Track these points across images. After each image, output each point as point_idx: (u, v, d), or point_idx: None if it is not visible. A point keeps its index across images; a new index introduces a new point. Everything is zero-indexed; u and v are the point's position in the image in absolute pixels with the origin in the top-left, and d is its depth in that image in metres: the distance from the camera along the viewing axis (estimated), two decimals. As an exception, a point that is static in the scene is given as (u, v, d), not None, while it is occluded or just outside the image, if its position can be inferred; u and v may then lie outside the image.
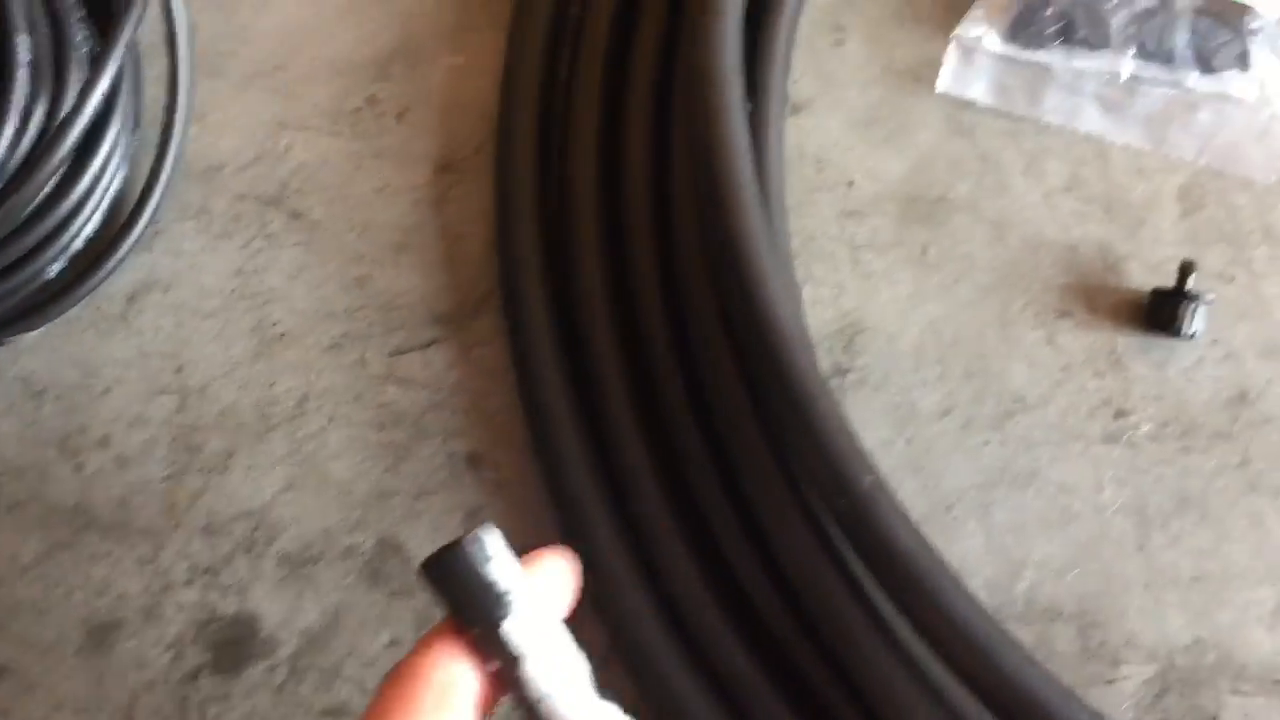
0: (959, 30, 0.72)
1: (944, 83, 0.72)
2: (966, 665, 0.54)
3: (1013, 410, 0.67)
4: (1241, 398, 0.67)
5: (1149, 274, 0.69)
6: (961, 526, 0.65)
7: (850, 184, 0.72)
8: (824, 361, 0.68)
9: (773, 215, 0.67)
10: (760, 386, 0.60)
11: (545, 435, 0.64)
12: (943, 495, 0.66)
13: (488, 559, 0.38)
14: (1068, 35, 0.71)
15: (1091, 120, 0.72)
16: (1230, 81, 0.71)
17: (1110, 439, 0.66)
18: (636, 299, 0.67)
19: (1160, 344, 0.67)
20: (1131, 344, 0.68)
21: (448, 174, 0.73)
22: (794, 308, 0.66)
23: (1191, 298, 0.66)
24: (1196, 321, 0.66)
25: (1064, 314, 0.68)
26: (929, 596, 0.54)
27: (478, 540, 0.38)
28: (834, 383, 0.67)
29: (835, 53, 0.74)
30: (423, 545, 0.65)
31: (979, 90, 0.72)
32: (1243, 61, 0.71)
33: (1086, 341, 0.68)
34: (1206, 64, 0.71)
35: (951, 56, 0.72)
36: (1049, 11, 0.71)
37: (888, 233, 0.71)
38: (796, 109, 0.73)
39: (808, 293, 0.70)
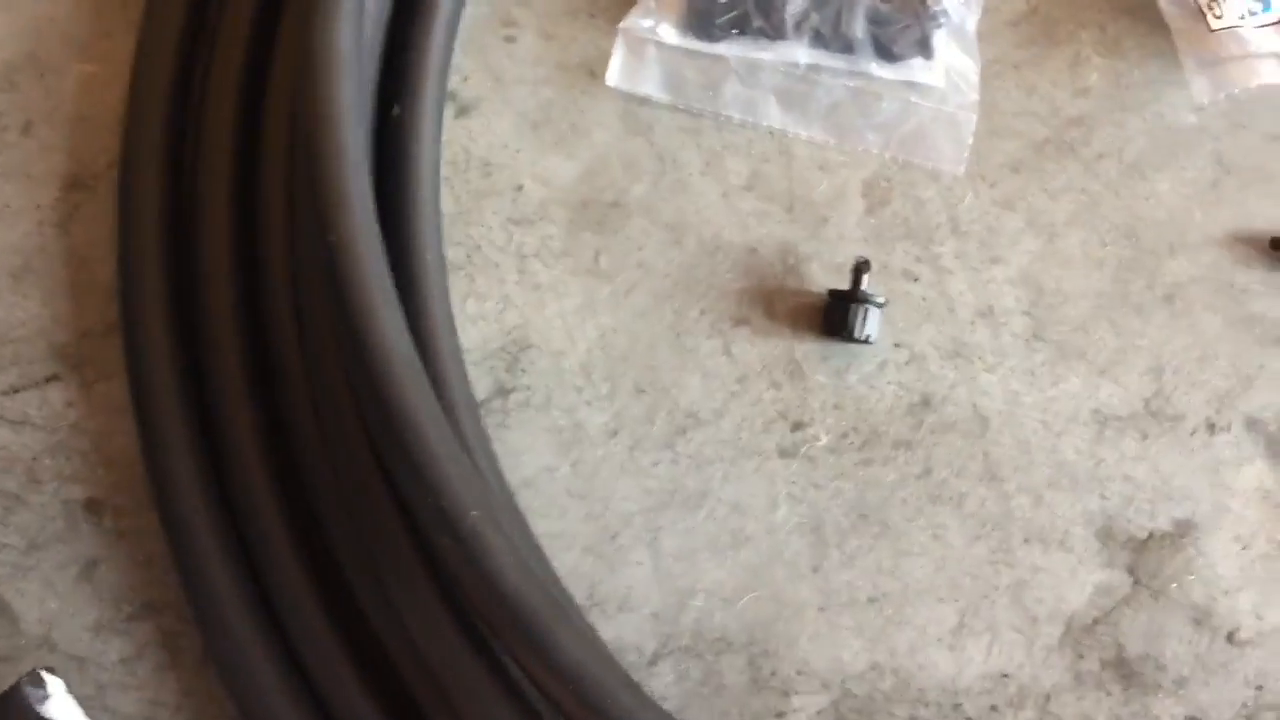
0: (627, 21, 0.67)
1: (614, 77, 0.67)
2: (577, 715, 0.48)
3: (685, 427, 0.62)
4: (925, 403, 0.63)
5: (831, 275, 0.65)
6: (628, 555, 0.60)
7: (519, 189, 0.67)
8: (486, 381, 0.63)
9: (419, 227, 0.62)
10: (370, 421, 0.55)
11: (164, 487, 0.58)
12: (609, 522, 0.61)
13: (45, 697, 0.40)
14: (743, 25, 0.67)
15: (773, 114, 0.67)
16: (914, 69, 0.67)
17: (786, 453, 0.62)
18: (269, 330, 0.61)
19: (841, 350, 0.64)
20: (811, 351, 0.64)
21: (77, 192, 0.66)
22: (445, 325, 0.61)
23: (862, 300, 0.62)
24: (869, 325, 0.62)
25: (741, 321, 0.64)
26: (535, 641, 0.49)
27: (38, 681, 0.41)
28: (496, 405, 0.62)
29: (506, 49, 0.69)
30: (32, 606, 0.59)
31: (652, 85, 0.67)
32: (925, 48, 0.67)
33: (764, 350, 0.64)
34: (887, 52, 0.67)
35: (620, 49, 0.67)
36: (722, 0, 0.66)
37: (558, 241, 0.66)
38: (463, 110, 0.68)
39: (471, 308, 0.64)
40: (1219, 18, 0.65)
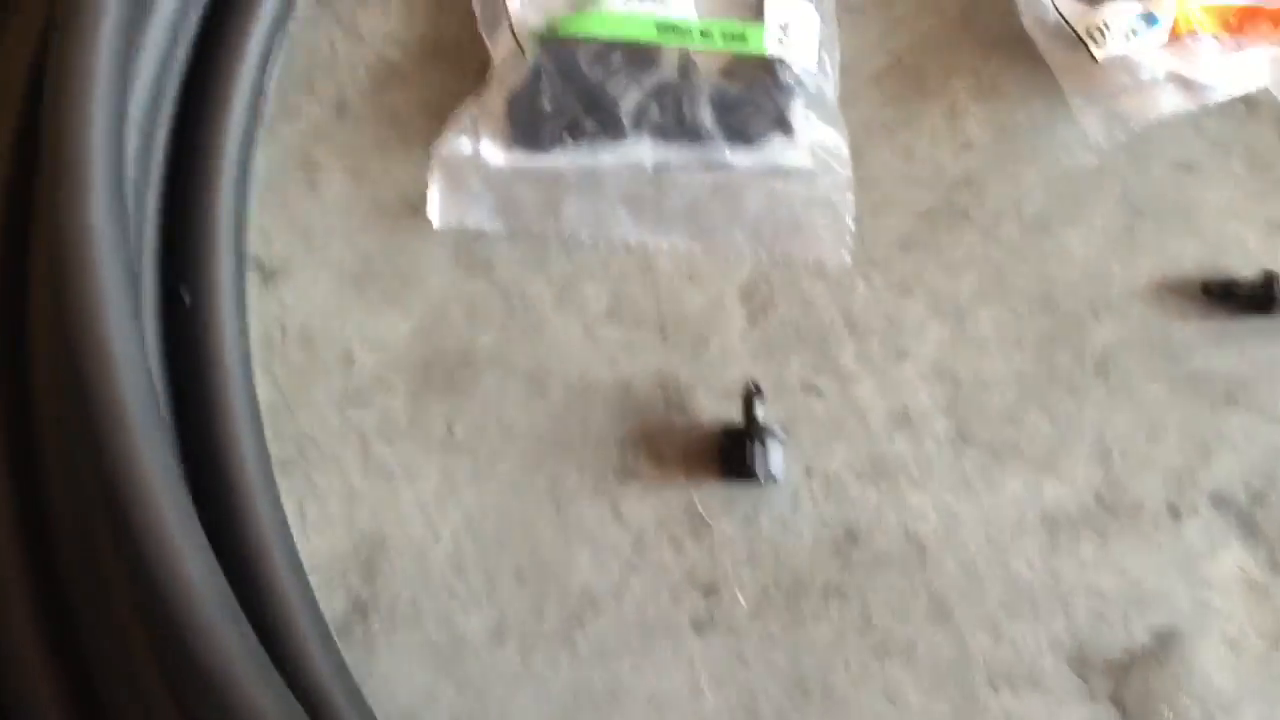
0: (442, 146, 0.58)
1: (436, 212, 0.58)
2: None
3: (581, 615, 0.53)
4: (851, 537, 0.54)
5: (721, 402, 0.56)
6: (538, 784, 0.51)
7: (349, 360, 0.57)
8: (340, 599, 0.53)
9: (228, 431, 0.52)
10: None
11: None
12: (509, 747, 0.51)
13: None
14: (575, 131, 0.58)
15: (625, 226, 0.59)
16: (775, 151, 0.59)
17: (702, 627, 0.53)
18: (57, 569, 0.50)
19: (746, 491, 0.55)
20: (712, 496, 0.55)
21: None
22: (275, 545, 0.51)
23: (760, 435, 0.53)
24: (772, 462, 0.53)
25: (627, 474, 0.55)
26: None
27: None
28: (356, 627, 0.52)
29: (311, 196, 0.59)
30: None
31: (483, 215, 0.58)
32: (782, 125, 0.59)
33: (658, 504, 0.55)
34: (742, 135, 0.59)
35: (439, 180, 0.58)
36: (547, 106, 0.57)
37: (402, 414, 0.56)
38: (270, 276, 0.58)
39: (312, 513, 0.54)
40: (1101, 46, 0.58)
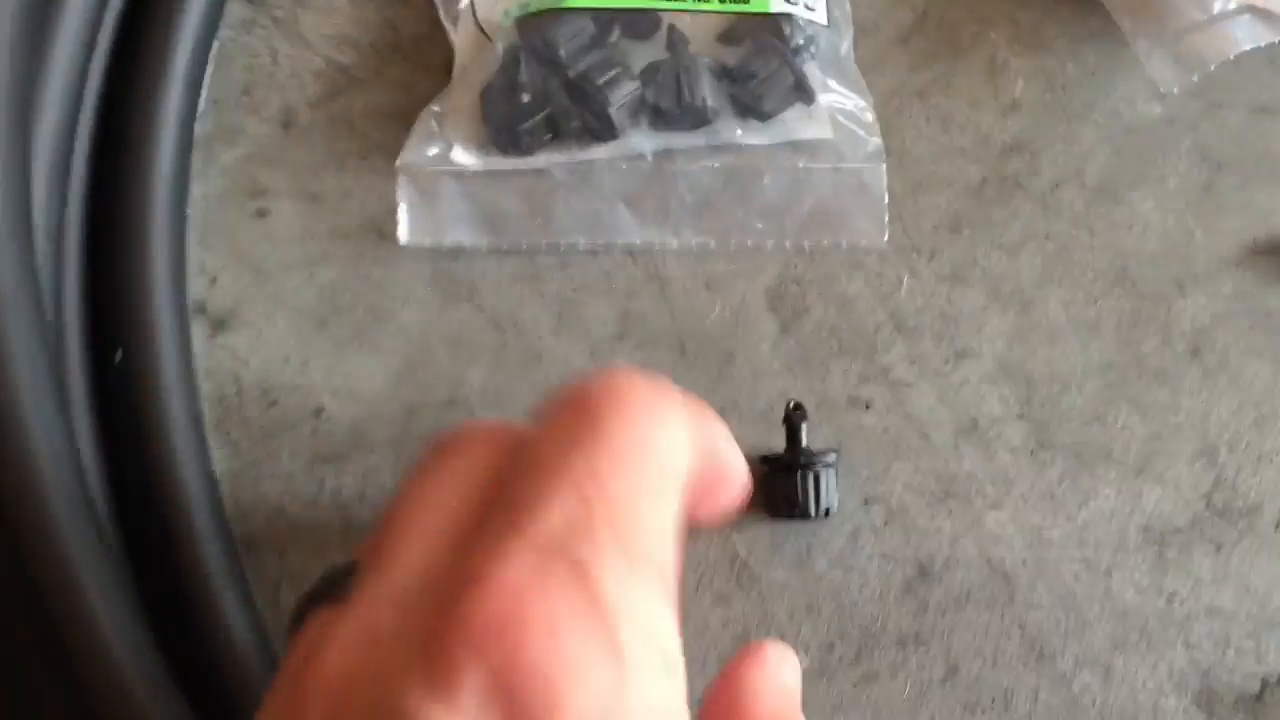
0: (406, 155, 0.49)
1: (406, 232, 0.50)
2: None
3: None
4: (923, 574, 0.46)
5: (757, 427, 0.48)
6: None
7: (319, 413, 0.49)
8: None
9: (181, 524, 0.44)
10: None
11: None
12: None
13: None
14: (559, 123, 0.49)
15: (627, 229, 0.50)
16: (792, 124, 0.51)
17: (759, 696, 0.44)
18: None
19: (797, 530, 0.47)
20: (758, 540, 0.47)
21: None
22: (245, 647, 0.43)
23: (809, 464, 0.45)
24: (825, 493, 0.45)
25: (655, 522, 0.46)
26: None
27: None
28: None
29: (261, 228, 0.51)
30: None
31: (461, 230, 0.50)
32: (801, 92, 0.51)
33: (696, 556, 0.47)
34: (755, 111, 0.51)
35: (407, 193, 0.50)
36: (524, 97, 0.49)
37: (386, 471, 0.48)
38: (220, 324, 0.50)
39: (289, 597, 0.46)
40: (1163, -24, 0.50)
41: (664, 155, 0.50)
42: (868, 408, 0.48)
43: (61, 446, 0.40)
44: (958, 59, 0.54)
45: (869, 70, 0.53)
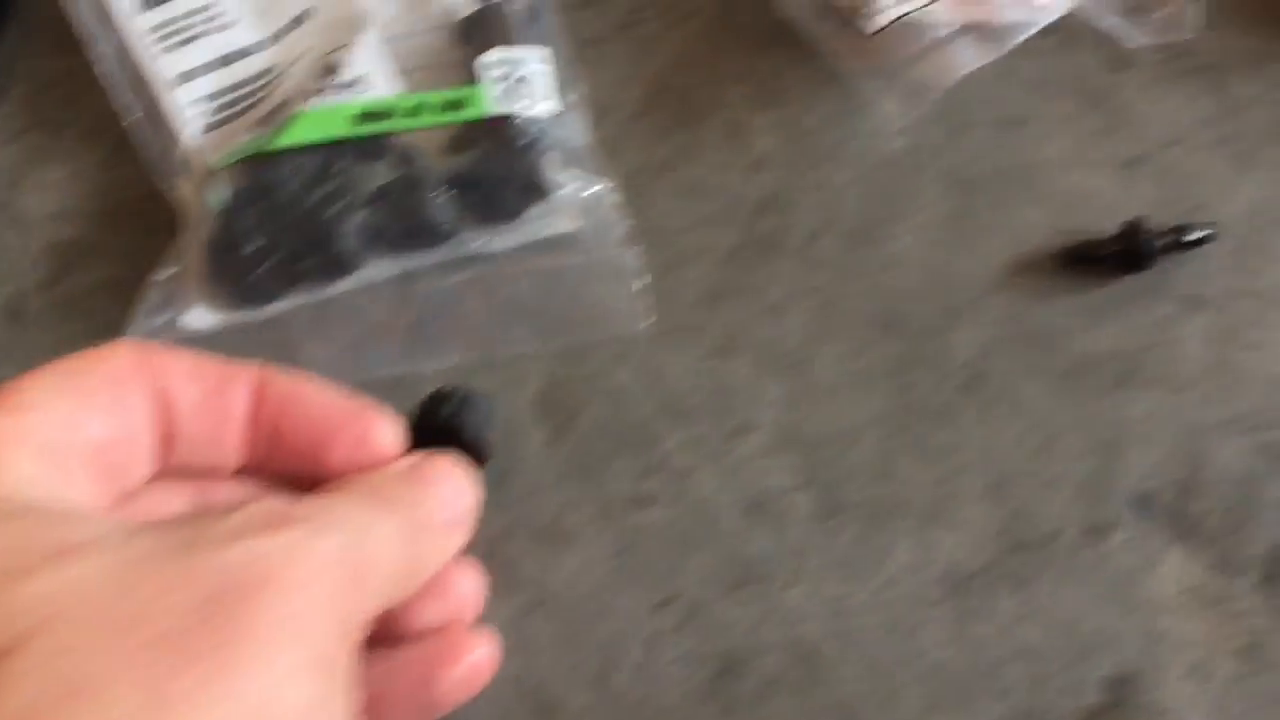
0: (132, 330, 0.48)
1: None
2: None
3: None
4: (727, 668, 0.45)
5: (542, 547, 0.46)
6: None
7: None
8: None
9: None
10: None
11: None
12: None
13: None
14: (294, 269, 0.48)
15: (381, 360, 0.49)
16: (539, 222, 0.50)
17: None
18: None
19: (590, 651, 0.45)
20: (557, 666, 0.45)
21: None
22: None
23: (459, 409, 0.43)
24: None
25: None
26: None
27: None
28: None
29: None
30: None
31: (210, 395, 0.48)
32: (534, 190, 0.50)
33: (485, 692, 0.45)
34: (494, 215, 0.49)
35: (144, 368, 0.48)
36: (248, 249, 0.48)
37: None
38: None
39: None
40: (870, 16, 0.49)
41: (407, 278, 0.49)
42: (653, 503, 0.47)
43: None
44: (698, 125, 0.53)
45: (611, 151, 0.52)
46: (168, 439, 0.30)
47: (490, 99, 0.49)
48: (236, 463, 0.32)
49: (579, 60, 0.53)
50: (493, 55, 0.50)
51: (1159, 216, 0.49)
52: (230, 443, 0.31)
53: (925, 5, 0.48)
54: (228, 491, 0.32)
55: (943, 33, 0.49)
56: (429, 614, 0.34)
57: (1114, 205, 0.50)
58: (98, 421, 0.28)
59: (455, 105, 0.50)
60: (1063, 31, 0.52)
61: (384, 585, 0.28)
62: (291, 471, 0.32)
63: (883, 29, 0.48)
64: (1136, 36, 0.51)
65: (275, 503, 0.28)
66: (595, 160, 0.51)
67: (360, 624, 0.27)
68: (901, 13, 0.48)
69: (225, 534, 0.25)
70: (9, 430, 0.27)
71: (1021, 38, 0.49)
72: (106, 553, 0.24)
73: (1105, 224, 0.49)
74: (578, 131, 0.52)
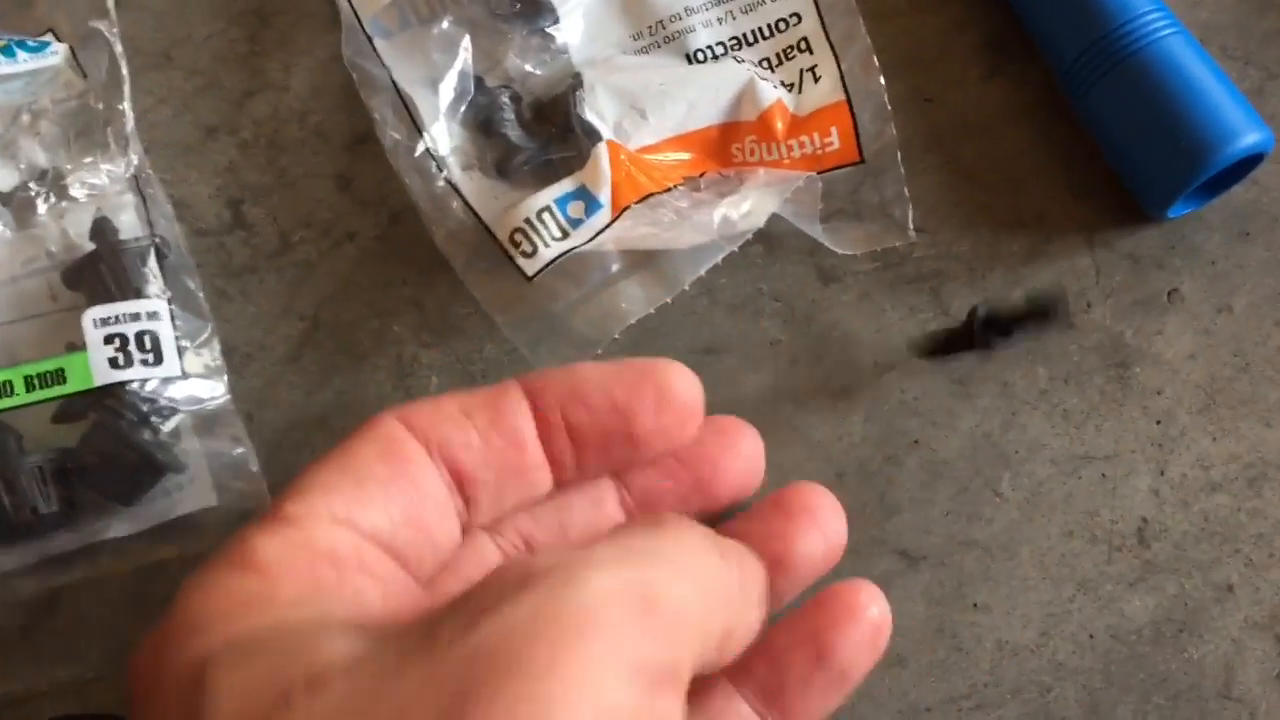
0: None
1: None
2: None
3: None
4: None
5: None
6: None
7: None
8: None
9: None
10: None
11: None
12: None
13: None
14: None
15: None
16: (169, 500, 0.43)
17: None
18: None
19: None
20: None
21: None
22: None
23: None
24: None
25: None
26: None
27: None
28: None
29: None
30: None
31: None
32: (152, 468, 0.43)
33: None
34: (114, 496, 0.43)
35: None
36: None
37: None
38: None
39: None
40: (531, 254, 0.43)
41: (4, 579, 0.42)
42: None
43: None
44: (359, 367, 0.46)
45: (259, 405, 0.46)
46: (464, 486, 0.29)
47: (97, 367, 0.43)
48: (549, 481, 0.30)
49: (222, 297, 0.47)
50: (98, 312, 0.43)
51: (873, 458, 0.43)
52: (531, 465, 0.29)
53: (591, 239, 0.43)
54: (578, 508, 0.32)
55: (613, 269, 0.43)
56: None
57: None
58: (375, 511, 0.27)
59: (55, 378, 0.43)
60: (767, 239, 0.47)
61: (697, 616, 0.25)
62: (613, 460, 0.30)
63: (541, 270, 0.42)
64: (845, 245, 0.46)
65: (522, 557, 0.28)
66: (236, 423, 0.45)
67: (666, 664, 0.23)
68: (564, 250, 0.43)
69: (467, 618, 0.22)
70: (274, 553, 0.26)
71: (702, 269, 0.43)
72: (352, 675, 0.22)
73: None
74: (220, 388, 0.45)
